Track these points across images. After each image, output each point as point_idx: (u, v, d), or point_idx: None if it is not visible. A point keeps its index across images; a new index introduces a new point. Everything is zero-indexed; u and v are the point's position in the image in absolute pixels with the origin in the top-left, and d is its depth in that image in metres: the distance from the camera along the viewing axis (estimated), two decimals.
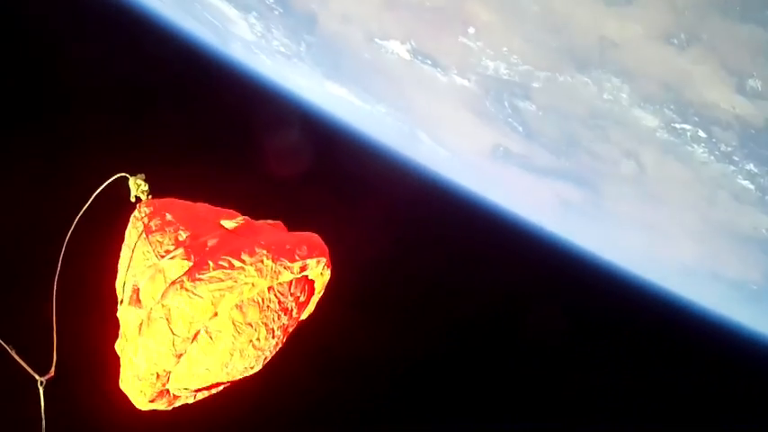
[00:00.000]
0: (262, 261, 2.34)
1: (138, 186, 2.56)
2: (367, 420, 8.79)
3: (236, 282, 2.28)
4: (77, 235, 2.55)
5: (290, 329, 2.61)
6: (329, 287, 2.71)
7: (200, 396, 2.49)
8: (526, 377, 14.04)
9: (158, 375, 2.30)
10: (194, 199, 2.75)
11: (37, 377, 2.39)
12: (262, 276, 2.33)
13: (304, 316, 2.75)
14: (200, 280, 2.26)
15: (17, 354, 2.38)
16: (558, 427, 15.41)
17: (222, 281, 2.26)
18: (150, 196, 2.58)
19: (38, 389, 2.39)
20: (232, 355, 2.37)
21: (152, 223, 2.47)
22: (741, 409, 22.45)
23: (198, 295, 2.25)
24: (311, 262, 2.52)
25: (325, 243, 2.62)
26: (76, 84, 14.58)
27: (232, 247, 2.36)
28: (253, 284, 2.32)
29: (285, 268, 2.40)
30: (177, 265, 2.35)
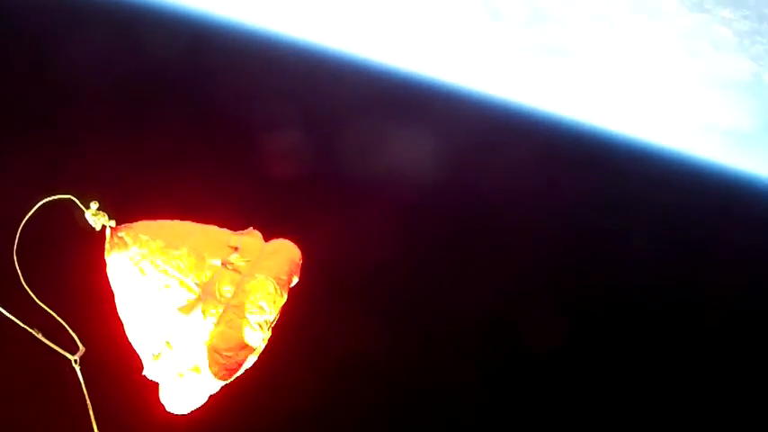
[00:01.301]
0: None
1: (97, 219, 2.35)
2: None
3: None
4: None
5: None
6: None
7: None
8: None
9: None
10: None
11: (69, 356, 2.35)
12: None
13: None
14: None
15: (44, 336, 2.33)
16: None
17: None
18: (114, 222, 2.38)
19: (73, 367, 2.37)
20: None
21: (151, 246, 2.38)
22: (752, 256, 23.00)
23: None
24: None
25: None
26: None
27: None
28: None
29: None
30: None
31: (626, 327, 14.28)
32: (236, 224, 2.65)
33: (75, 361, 2.36)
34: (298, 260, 2.55)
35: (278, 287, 2.40)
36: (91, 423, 2.36)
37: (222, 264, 2.38)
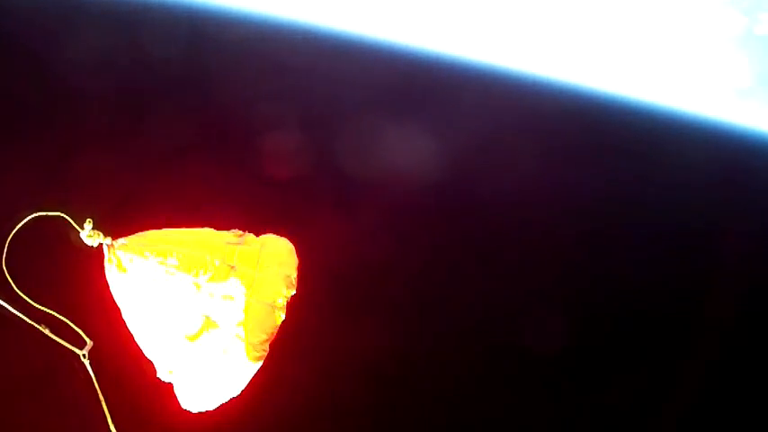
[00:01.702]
0: None
1: (94, 237, 2.35)
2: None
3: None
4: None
5: None
6: None
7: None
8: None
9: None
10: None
11: (77, 351, 2.39)
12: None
13: None
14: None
15: (51, 332, 2.38)
16: None
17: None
18: (110, 238, 2.37)
19: (82, 362, 2.40)
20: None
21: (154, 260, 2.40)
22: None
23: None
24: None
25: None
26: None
27: None
28: None
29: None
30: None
31: (634, 324, 14.09)
32: (236, 224, 2.65)
33: (84, 355, 2.39)
34: (294, 274, 2.58)
35: (276, 311, 2.47)
36: (100, 418, 2.39)
37: (221, 288, 2.42)
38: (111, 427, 2.39)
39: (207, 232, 2.56)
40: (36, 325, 2.36)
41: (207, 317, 2.40)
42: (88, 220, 2.36)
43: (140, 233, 2.44)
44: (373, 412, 8.59)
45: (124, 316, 2.42)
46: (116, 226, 2.47)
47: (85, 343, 2.42)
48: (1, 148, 9.66)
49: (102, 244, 2.38)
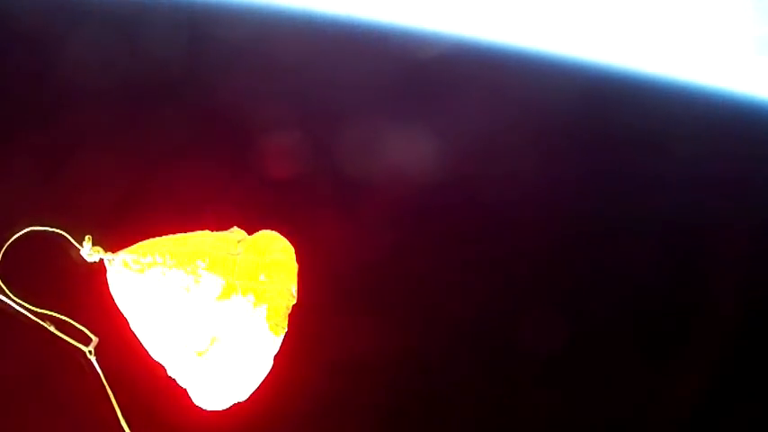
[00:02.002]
0: None
1: (93, 254, 2.30)
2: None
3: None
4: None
5: None
6: None
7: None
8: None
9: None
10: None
11: (83, 348, 2.38)
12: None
13: None
14: None
15: (56, 329, 2.38)
16: None
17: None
18: (111, 253, 2.31)
19: (89, 359, 2.39)
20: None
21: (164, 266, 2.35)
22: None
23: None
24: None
25: None
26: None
27: None
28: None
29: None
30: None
31: (634, 324, 13.76)
32: (236, 223, 2.62)
33: (90, 352, 2.38)
34: (295, 283, 2.54)
35: (279, 323, 2.43)
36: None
37: (224, 306, 2.39)
38: (124, 424, 2.39)
39: (208, 241, 2.51)
40: (41, 322, 2.34)
41: (213, 335, 2.38)
42: (87, 237, 2.31)
43: (140, 243, 2.40)
44: (378, 412, 8.57)
45: (131, 327, 2.39)
46: (116, 230, 2.45)
47: (91, 340, 2.40)
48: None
49: (102, 259, 2.33)
